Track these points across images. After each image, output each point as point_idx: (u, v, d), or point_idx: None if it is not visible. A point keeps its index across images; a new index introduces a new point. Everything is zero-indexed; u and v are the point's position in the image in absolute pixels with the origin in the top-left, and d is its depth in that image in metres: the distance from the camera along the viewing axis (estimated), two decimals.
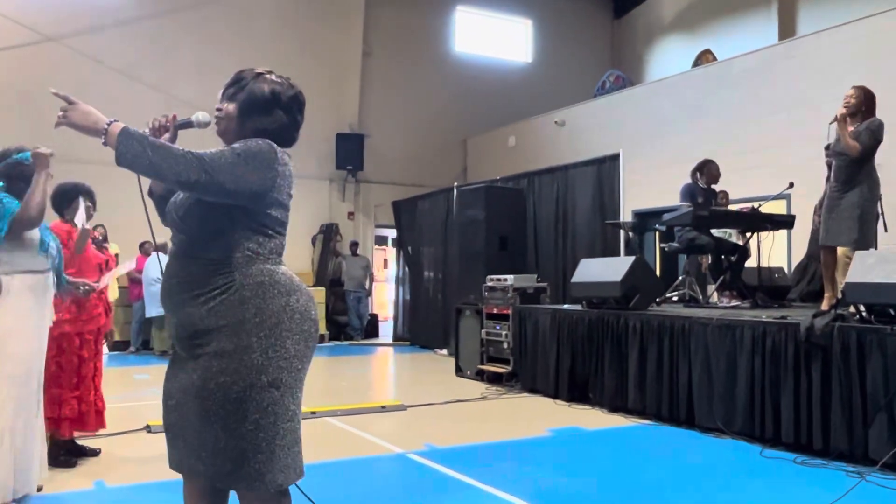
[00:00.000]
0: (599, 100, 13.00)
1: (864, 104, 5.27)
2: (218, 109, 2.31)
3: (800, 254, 8.30)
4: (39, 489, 3.78)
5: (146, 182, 2.34)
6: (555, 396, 6.89)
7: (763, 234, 7.47)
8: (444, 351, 10.67)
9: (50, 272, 3.73)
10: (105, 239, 9.66)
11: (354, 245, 13.41)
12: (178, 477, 2.35)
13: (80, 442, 4.63)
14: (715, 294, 7.42)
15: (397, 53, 14.64)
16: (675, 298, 7.63)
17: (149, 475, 4.16)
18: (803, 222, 7.69)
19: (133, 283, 10.69)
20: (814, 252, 7.27)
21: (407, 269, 12.95)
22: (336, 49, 14.02)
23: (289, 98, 2.35)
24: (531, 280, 8.22)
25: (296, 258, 13.42)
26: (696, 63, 12.77)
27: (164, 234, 2.41)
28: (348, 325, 13.24)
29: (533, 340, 7.33)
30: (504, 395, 7.18)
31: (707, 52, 13.03)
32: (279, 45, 13.31)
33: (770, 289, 7.56)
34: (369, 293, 13.51)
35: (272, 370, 2.15)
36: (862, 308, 4.66)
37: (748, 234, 7.46)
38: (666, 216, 7.08)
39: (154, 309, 10.09)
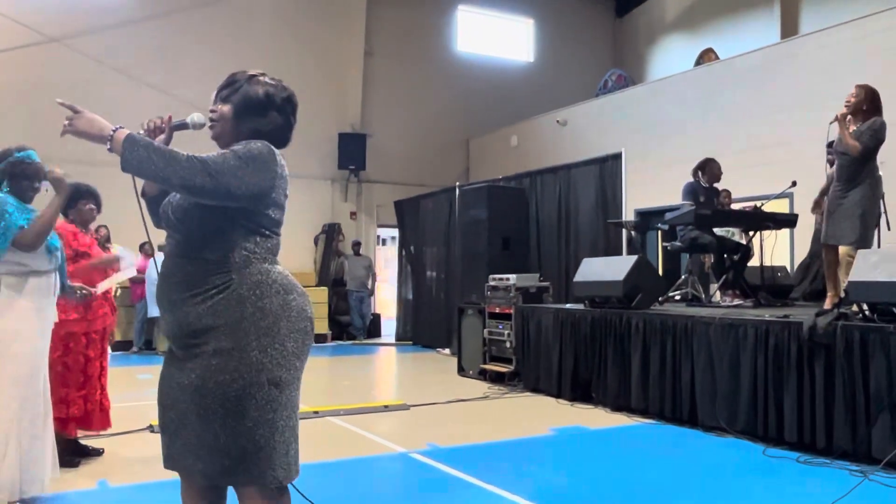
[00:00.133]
0: (601, 99, 12.99)
1: (865, 103, 5.24)
2: (212, 111, 2.32)
3: (802, 252, 8.29)
4: None
5: (141, 183, 2.35)
6: (557, 396, 6.89)
7: (766, 233, 7.46)
8: (447, 350, 10.67)
9: (54, 272, 3.74)
10: (108, 240, 9.68)
11: (357, 245, 13.42)
12: None
13: (83, 442, 4.64)
14: (718, 293, 7.41)
15: (399, 53, 14.64)
16: (677, 297, 7.62)
17: (152, 475, 4.16)
18: (806, 221, 7.68)
19: (136, 283, 10.70)
20: (816, 251, 7.26)
21: (409, 268, 12.96)
22: (338, 49, 14.03)
23: (283, 99, 2.36)
24: (534, 279, 8.22)
25: (298, 258, 13.44)
26: (699, 62, 12.76)
27: (160, 235, 2.41)
28: (351, 324, 13.25)
29: (535, 340, 7.33)
30: (507, 395, 7.18)
31: (709, 50, 13.02)
32: (281, 45, 13.33)
33: (773, 288, 7.55)
34: (372, 293, 13.52)
35: (271, 368, 2.17)
36: (865, 307, 4.66)
37: (751, 233, 7.45)
38: (668, 215, 7.08)
39: (157, 309, 10.08)
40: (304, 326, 2.27)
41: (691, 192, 7.15)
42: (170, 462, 2.28)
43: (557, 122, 13.05)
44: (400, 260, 13.47)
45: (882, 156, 5.36)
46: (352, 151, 13.85)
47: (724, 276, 7.24)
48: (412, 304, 12.71)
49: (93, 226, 4.84)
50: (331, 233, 13.80)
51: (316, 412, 6.12)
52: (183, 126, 2.35)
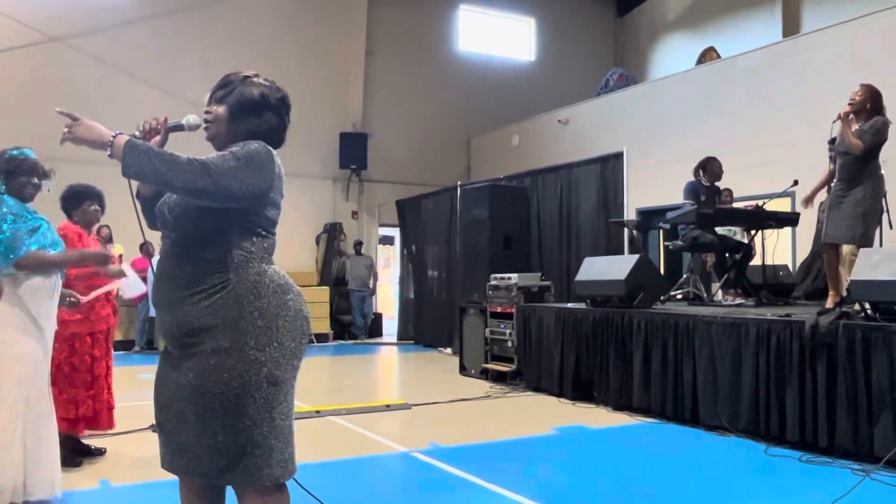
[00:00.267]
0: (603, 98, 12.98)
1: (868, 102, 5.24)
2: (207, 113, 2.33)
3: (804, 251, 8.28)
4: None
5: (136, 184, 2.36)
6: (559, 395, 6.89)
7: (767, 232, 7.45)
8: (449, 350, 10.67)
9: (57, 274, 3.74)
10: (110, 239, 9.69)
11: (358, 244, 13.42)
12: None
13: (85, 441, 4.65)
14: (719, 292, 7.41)
15: (400, 52, 14.64)
16: (679, 296, 7.62)
17: (154, 474, 4.13)
18: (808, 220, 7.68)
19: None
20: (818, 250, 7.26)
21: (411, 267, 12.96)
22: (339, 48, 14.03)
23: (277, 100, 2.38)
24: (535, 279, 8.22)
25: (300, 257, 13.45)
26: (700, 61, 12.75)
27: (156, 236, 2.42)
28: (352, 324, 13.25)
29: (537, 339, 7.33)
30: (508, 394, 7.18)
31: (711, 49, 13.00)
32: (282, 45, 13.32)
33: (775, 287, 7.55)
34: (373, 292, 13.52)
35: (270, 367, 2.18)
36: (867, 306, 4.66)
37: (752, 232, 7.45)
38: (670, 214, 7.07)
39: None
40: (300, 326, 2.29)
41: (692, 191, 7.15)
42: (167, 462, 2.29)
43: (559, 121, 13.04)
44: (401, 259, 13.47)
45: (884, 155, 5.35)
46: (353, 151, 13.84)
47: (725, 276, 7.24)
48: (414, 304, 12.72)
49: (95, 226, 4.85)
50: (332, 232, 13.80)
51: (318, 411, 6.12)
52: (178, 127, 2.36)
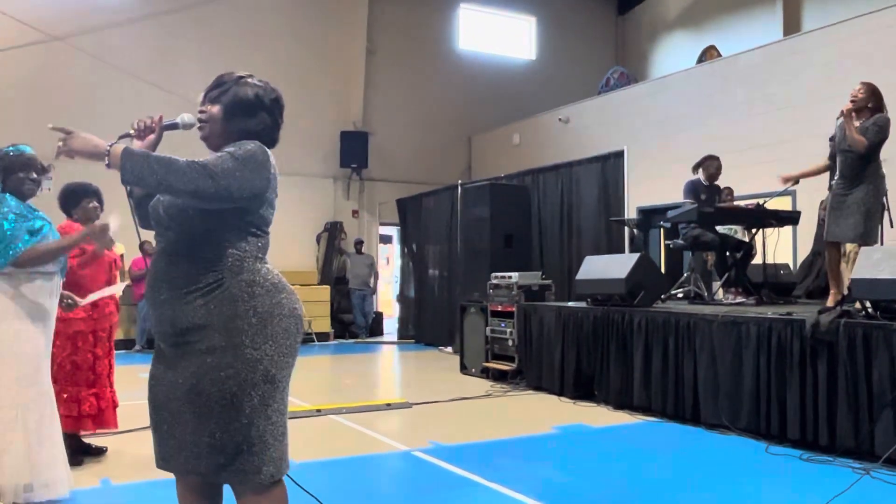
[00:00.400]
0: (604, 97, 12.98)
1: (870, 100, 5.24)
2: (201, 112, 2.34)
3: (805, 250, 8.28)
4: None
5: None
6: (560, 394, 6.89)
7: (768, 231, 7.45)
8: (449, 348, 10.67)
9: (57, 273, 3.74)
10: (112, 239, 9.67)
11: (359, 243, 13.42)
12: None
13: (86, 440, 4.66)
14: (720, 291, 7.40)
15: (401, 51, 14.63)
16: (679, 295, 7.62)
17: (155, 473, 4.13)
18: (809, 218, 7.68)
19: (138, 282, 10.72)
20: (819, 248, 7.26)
21: (412, 266, 12.96)
22: (340, 47, 14.02)
23: (271, 101, 2.39)
24: (536, 277, 8.22)
25: (300, 256, 13.45)
26: (701, 59, 12.74)
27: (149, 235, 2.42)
28: (353, 323, 13.26)
29: (538, 338, 7.33)
30: (509, 393, 7.18)
31: (712, 48, 13.00)
32: (282, 43, 13.32)
33: (775, 285, 7.54)
34: (374, 291, 13.52)
35: (265, 365, 2.20)
36: (868, 304, 4.65)
37: (753, 231, 7.44)
38: (671, 213, 7.07)
39: None
40: (294, 325, 2.31)
41: (692, 190, 7.15)
42: (163, 462, 2.30)
43: (560, 119, 13.04)
44: (402, 258, 13.48)
45: (885, 154, 5.35)
46: (354, 150, 13.84)
47: (726, 274, 7.23)
48: (414, 303, 12.72)
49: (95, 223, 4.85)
50: (333, 231, 13.81)
51: (318, 410, 6.13)
52: (173, 126, 2.36)
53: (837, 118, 5.32)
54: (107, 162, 2.09)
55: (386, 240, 15.25)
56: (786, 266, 8.37)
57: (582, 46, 16.25)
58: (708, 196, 7.15)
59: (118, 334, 10.71)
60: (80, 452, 4.52)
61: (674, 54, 14.95)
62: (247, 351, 2.17)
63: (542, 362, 7.24)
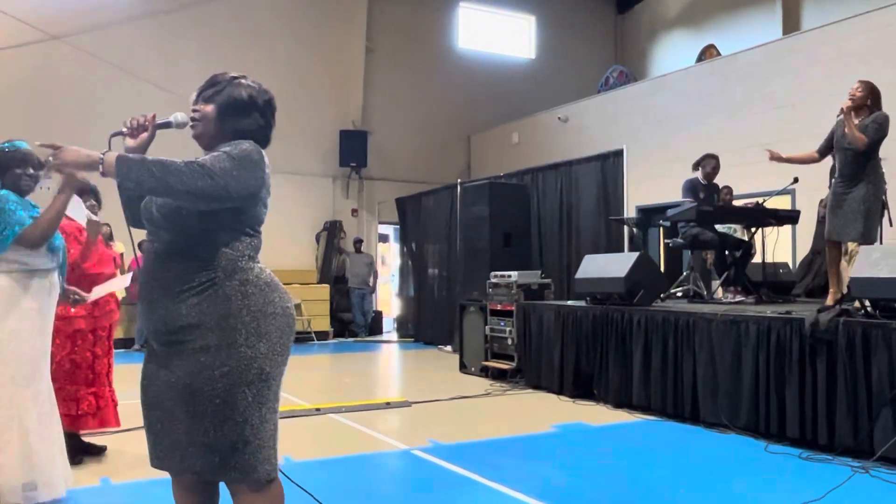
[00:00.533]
0: (603, 95, 12.97)
1: (868, 98, 5.25)
2: (195, 111, 2.34)
3: (804, 249, 8.28)
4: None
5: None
6: (559, 392, 6.89)
7: (767, 230, 7.45)
8: (449, 347, 10.67)
9: (55, 271, 3.73)
10: (111, 237, 9.68)
11: (358, 242, 13.42)
12: None
13: (86, 439, 4.65)
14: (719, 289, 7.41)
15: (400, 50, 14.62)
16: (679, 294, 7.62)
17: (154, 472, 4.14)
18: (808, 217, 7.68)
19: (136, 281, 10.70)
20: (819, 247, 7.26)
21: (411, 265, 12.96)
22: (339, 46, 14.01)
23: (264, 102, 2.41)
24: (535, 276, 8.22)
25: (300, 255, 13.44)
26: (700, 58, 12.74)
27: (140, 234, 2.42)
28: (352, 322, 13.26)
29: (537, 337, 7.33)
30: (508, 392, 7.18)
31: (711, 47, 13.00)
32: (282, 41, 13.31)
33: (775, 284, 7.55)
34: (373, 290, 13.53)
35: (259, 363, 2.21)
36: (867, 303, 4.66)
37: (752, 230, 7.44)
38: (670, 212, 7.07)
39: None
40: (287, 323, 2.32)
41: (691, 188, 7.16)
42: (157, 461, 2.31)
43: (559, 118, 13.03)
44: (401, 257, 13.48)
45: (885, 152, 5.35)
46: (353, 148, 13.84)
47: (725, 273, 7.24)
48: (414, 301, 12.72)
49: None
50: (332, 230, 13.80)
51: (318, 409, 6.13)
52: (166, 125, 2.36)
53: (838, 115, 5.32)
54: (101, 170, 2.09)
55: (383, 239, 15.25)
56: (785, 265, 8.37)
57: (581, 45, 16.25)
58: (706, 195, 7.15)
59: (117, 333, 10.73)
60: (79, 451, 4.51)
61: (673, 53, 14.94)
62: (241, 349, 2.18)
63: (541, 361, 7.24)
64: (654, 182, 10.16)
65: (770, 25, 12.78)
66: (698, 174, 7.26)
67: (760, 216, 7.16)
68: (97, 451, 4.63)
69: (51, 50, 11.54)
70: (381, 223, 14.74)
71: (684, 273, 8.02)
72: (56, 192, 3.53)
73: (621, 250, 8.55)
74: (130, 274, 4.90)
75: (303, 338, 12.25)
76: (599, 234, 9.08)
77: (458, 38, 15.36)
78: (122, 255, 8.96)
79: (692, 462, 4.66)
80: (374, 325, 13.58)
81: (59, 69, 11.54)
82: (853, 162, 5.24)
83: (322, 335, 12.65)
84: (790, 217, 7.48)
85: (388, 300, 15.10)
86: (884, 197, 5.47)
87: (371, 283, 13.29)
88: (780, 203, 7.97)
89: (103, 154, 2.09)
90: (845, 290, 5.21)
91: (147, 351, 2.37)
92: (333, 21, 13.97)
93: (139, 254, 2.63)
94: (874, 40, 8.33)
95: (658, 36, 15.82)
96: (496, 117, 14.74)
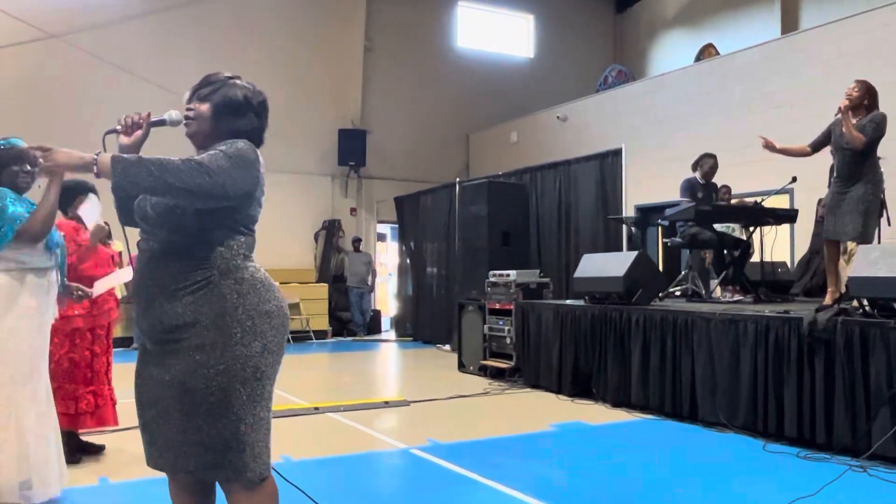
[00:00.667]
0: (602, 95, 12.96)
1: (866, 97, 5.26)
2: (189, 109, 2.34)
3: (803, 248, 8.29)
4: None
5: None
6: (558, 391, 6.90)
7: (766, 229, 7.46)
8: (447, 346, 10.68)
9: (54, 269, 3.72)
10: (109, 236, 9.66)
11: (357, 241, 13.42)
12: None
13: (84, 438, 4.65)
14: (718, 289, 7.41)
15: (399, 49, 14.61)
16: (677, 293, 7.62)
17: (152, 471, 4.15)
18: (806, 217, 7.68)
19: None
20: (817, 246, 7.26)
21: (410, 264, 12.96)
22: (338, 44, 14.00)
23: (259, 103, 2.42)
24: (534, 275, 8.22)
25: (298, 254, 13.44)
26: (699, 57, 12.74)
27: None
28: (351, 321, 13.26)
29: (536, 336, 7.33)
30: (507, 391, 7.19)
31: (710, 46, 12.99)
32: (281, 40, 13.30)
33: (773, 283, 7.55)
34: (372, 289, 13.52)
35: (255, 362, 2.21)
36: (865, 302, 4.66)
37: (751, 229, 7.45)
38: (668, 211, 7.07)
39: None
40: (282, 323, 2.33)
41: (688, 188, 7.16)
42: (152, 461, 2.31)
43: (557, 117, 13.03)
44: (400, 255, 13.48)
45: (883, 151, 5.36)
46: (352, 147, 13.83)
47: (724, 272, 7.24)
48: (413, 300, 12.71)
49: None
50: (331, 229, 13.80)
51: (316, 408, 6.13)
52: (161, 123, 2.36)
53: (836, 115, 5.33)
54: (95, 171, 2.08)
55: (380, 238, 15.25)
56: (783, 264, 8.38)
57: (580, 44, 16.24)
58: (704, 194, 7.16)
59: (117, 331, 10.75)
60: (78, 450, 4.51)
61: (672, 52, 14.94)
62: (237, 348, 2.18)
63: (539, 360, 7.24)
64: (652, 181, 10.16)
65: (769, 25, 12.78)
66: (696, 174, 7.27)
67: (759, 215, 7.16)
68: (96, 450, 4.63)
69: (49, 48, 11.52)
70: (379, 222, 14.74)
71: (683, 272, 8.02)
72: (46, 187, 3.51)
73: (620, 249, 8.55)
74: (130, 267, 4.88)
75: (301, 337, 12.25)
76: (598, 233, 9.08)
77: (457, 37, 15.35)
78: (119, 253, 8.94)
79: (690, 461, 4.66)
80: (372, 325, 13.58)
81: (58, 68, 11.51)
82: (851, 162, 5.25)
83: (320, 334, 12.64)
84: (788, 216, 7.49)
85: (387, 299, 15.09)
86: (882, 196, 5.48)
87: (370, 283, 13.29)
88: (779, 202, 7.98)
89: (97, 155, 2.08)
90: (843, 290, 5.21)
91: (140, 350, 2.36)
92: (332, 20, 13.96)
93: (133, 252, 2.62)
94: (873, 40, 8.33)
95: (657, 35, 15.82)
96: (495, 116, 14.74)
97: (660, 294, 6.89)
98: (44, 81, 11.34)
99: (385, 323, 14.23)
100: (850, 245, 5.34)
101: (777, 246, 7.68)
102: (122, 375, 5.36)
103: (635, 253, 6.75)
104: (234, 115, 2.34)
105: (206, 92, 2.34)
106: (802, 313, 4.92)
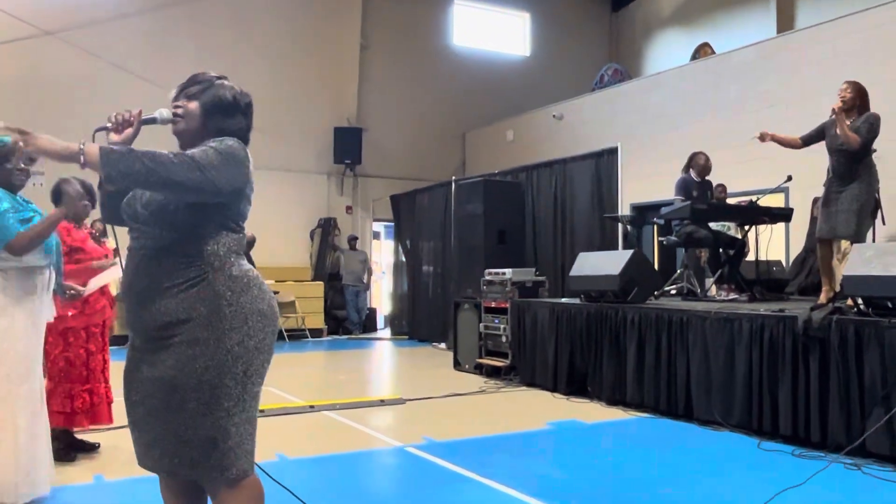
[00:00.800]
0: (598, 93, 12.98)
1: (858, 98, 5.29)
2: (177, 107, 2.34)
3: (798, 247, 8.31)
4: None
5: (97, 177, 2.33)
6: (553, 390, 6.90)
7: (761, 228, 7.47)
8: (443, 345, 10.68)
9: (50, 268, 3.71)
10: (104, 233, 9.65)
11: (353, 239, 13.41)
12: None
13: (79, 437, 4.64)
14: (713, 287, 7.42)
15: (395, 47, 14.60)
16: (673, 292, 7.63)
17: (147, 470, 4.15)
18: (801, 215, 7.70)
19: None
20: (812, 245, 7.28)
21: (406, 262, 12.95)
22: (334, 42, 13.98)
23: (245, 104, 2.44)
24: (529, 274, 8.22)
25: (294, 252, 13.42)
26: (695, 56, 12.75)
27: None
28: (347, 319, 13.25)
29: (531, 334, 7.34)
30: (502, 389, 7.19)
31: (705, 45, 13.00)
32: (277, 38, 13.28)
33: (768, 282, 7.57)
34: (367, 287, 13.52)
35: (246, 359, 2.21)
36: (860, 301, 4.67)
37: (746, 228, 7.46)
38: (664, 210, 7.09)
39: None
40: (273, 321, 2.33)
41: (684, 187, 7.17)
42: (141, 460, 2.30)
43: (553, 116, 13.04)
44: (395, 254, 13.47)
45: (879, 151, 5.37)
46: (347, 146, 13.82)
47: (719, 271, 7.25)
48: (408, 299, 12.71)
49: (87, 220, 4.83)
50: (327, 227, 13.79)
51: (312, 406, 6.12)
52: (151, 121, 2.35)
53: (831, 116, 5.34)
54: (82, 161, 2.02)
55: (374, 236, 15.25)
56: (778, 263, 8.40)
57: (576, 43, 16.25)
58: (700, 192, 7.17)
59: (115, 329, 10.74)
60: (72, 449, 4.51)
61: (668, 51, 14.96)
62: (229, 344, 2.18)
63: (535, 358, 7.25)
64: (648, 180, 10.18)
65: (764, 24, 12.80)
66: (691, 172, 7.27)
67: (754, 214, 7.18)
68: (90, 448, 4.62)
69: (44, 45, 11.48)
70: (375, 220, 14.73)
71: (678, 271, 8.03)
72: (56, 209, 3.53)
73: (615, 248, 8.56)
74: (117, 261, 4.87)
75: (297, 335, 12.24)
76: (594, 231, 9.08)
77: (453, 35, 15.35)
78: (115, 250, 8.93)
79: (685, 459, 4.67)
80: (368, 323, 13.58)
81: (53, 65, 11.47)
82: (847, 162, 5.27)
83: (316, 332, 12.63)
84: (783, 215, 7.50)
85: (381, 297, 15.08)
86: (877, 195, 5.50)
87: (365, 281, 13.28)
88: (774, 201, 7.99)
89: (82, 145, 2.02)
90: (838, 289, 5.23)
91: (130, 348, 2.34)
92: (328, 18, 13.94)
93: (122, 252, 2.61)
94: (868, 39, 8.35)
95: (652, 34, 15.83)
96: (491, 115, 14.75)
97: (655, 293, 6.90)
98: (39, 79, 11.31)
99: (380, 321, 14.23)
100: (844, 244, 5.36)
101: (772, 245, 7.69)
102: (119, 373, 5.35)
103: (631, 251, 6.76)
104: (224, 114, 2.35)
105: (195, 91, 2.35)
106: (797, 312, 4.93)
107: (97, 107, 10.89)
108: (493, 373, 7.86)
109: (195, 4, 12.70)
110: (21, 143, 2.03)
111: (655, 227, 9.83)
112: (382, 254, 15.32)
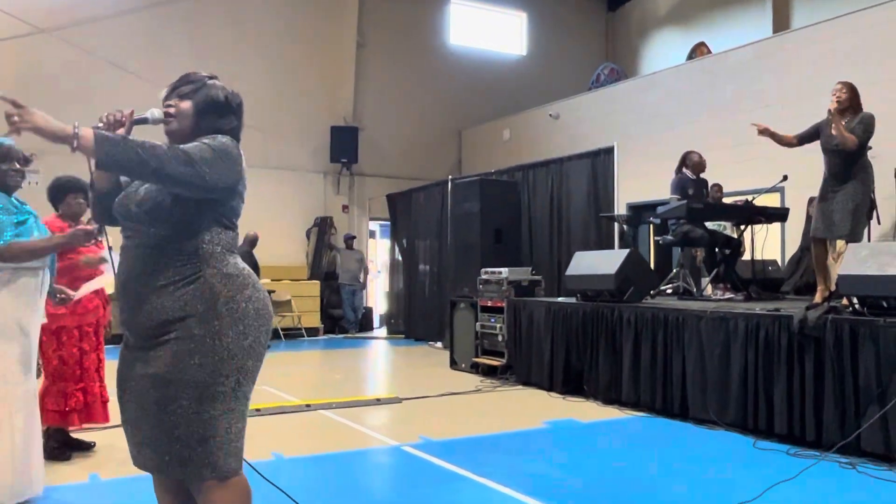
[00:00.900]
0: (594, 93, 12.99)
1: (852, 98, 5.31)
2: (169, 107, 2.33)
3: (793, 246, 8.33)
4: None
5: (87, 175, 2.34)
6: (549, 389, 6.91)
7: (757, 227, 7.49)
8: (439, 344, 10.68)
9: (43, 269, 3.70)
10: (101, 231, 9.62)
11: (350, 238, 13.40)
12: None
13: (74, 436, 4.63)
14: (709, 287, 7.44)
15: (392, 46, 14.60)
16: (669, 291, 7.64)
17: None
18: (797, 215, 7.71)
19: None
20: (807, 244, 7.30)
21: (402, 261, 12.95)
22: (330, 41, 13.97)
23: (237, 104, 2.45)
24: (526, 273, 8.22)
25: (290, 251, 13.41)
26: (691, 56, 12.76)
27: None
28: (343, 318, 13.24)
29: (527, 333, 7.34)
30: (499, 388, 7.19)
31: (701, 44, 13.01)
32: (273, 37, 13.26)
33: (764, 281, 7.58)
34: (364, 286, 13.51)
35: (240, 357, 2.22)
36: (855, 300, 4.69)
37: (742, 227, 7.48)
38: (660, 209, 7.10)
39: None
40: (267, 320, 2.34)
41: (680, 186, 7.17)
42: (134, 459, 2.30)
43: (550, 115, 13.05)
44: (391, 253, 13.47)
45: (874, 150, 5.39)
46: (344, 144, 13.80)
47: (715, 270, 7.26)
48: (405, 298, 12.71)
49: (83, 219, 4.82)
50: (323, 226, 13.78)
51: (308, 405, 6.12)
52: (143, 121, 2.35)
53: (827, 117, 5.36)
54: (74, 144, 1.96)
55: (370, 235, 15.25)
56: (774, 262, 8.41)
57: (572, 42, 16.26)
58: (696, 190, 7.17)
59: (113, 328, 10.71)
60: (67, 447, 4.50)
61: (664, 51, 14.97)
62: (223, 342, 2.19)
63: (531, 357, 7.26)
64: (644, 179, 10.19)
65: (760, 23, 12.83)
66: (686, 171, 7.27)
67: (750, 213, 7.19)
68: (86, 447, 4.62)
69: (39, 43, 11.45)
70: (372, 219, 14.72)
71: (674, 270, 8.04)
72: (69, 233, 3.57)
73: (611, 247, 8.57)
74: (111, 271, 4.85)
75: (293, 334, 12.23)
76: (590, 230, 9.10)
77: (450, 34, 15.34)
78: (110, 249, 8.91)
79: (681, 458, 4.67)
80: (364, 322, 13.57)
81: (49, 63, 11.44)
82: (842, 162, 5.29)
83: (312, 331, 12.63)
84: (779, 214, 7.52)
85: (375, 296, 15.07)
86: (872, 195, 5.51)
87: (362, 280, 13.27)
88: (770, 201, 8.01)
89: (77, 127, 1.96)
90: (833, 288, 5.25)
91: (123, 347, 2.34)
92: (324, 16, 13.93)
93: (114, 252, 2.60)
94: (864, 39, 8.37)
95: (649, 33, 15.85)
96: (487, 114, 14.75)
97: (651, 292, 6.91)
98: (34, 77, 11.27)
99: (376, 320, 14.23)
100: (840, 243, 5.37)
101: (768, 244, 7.70)
102: (114, 372, 5.34)
103: (627, 251, 6.77)
104: (216, 114, 2.36)
105: (187, 90, 2.35)
106: (792, 311, 4.94)
107: (93, 105, 10.88)
108: (489, 372, 7.87)
109: (191, 3, 12.68)
110: (15, 117, 1.92)
111: (651, 226, 9.84)
112: (378, 253, 15.31)
